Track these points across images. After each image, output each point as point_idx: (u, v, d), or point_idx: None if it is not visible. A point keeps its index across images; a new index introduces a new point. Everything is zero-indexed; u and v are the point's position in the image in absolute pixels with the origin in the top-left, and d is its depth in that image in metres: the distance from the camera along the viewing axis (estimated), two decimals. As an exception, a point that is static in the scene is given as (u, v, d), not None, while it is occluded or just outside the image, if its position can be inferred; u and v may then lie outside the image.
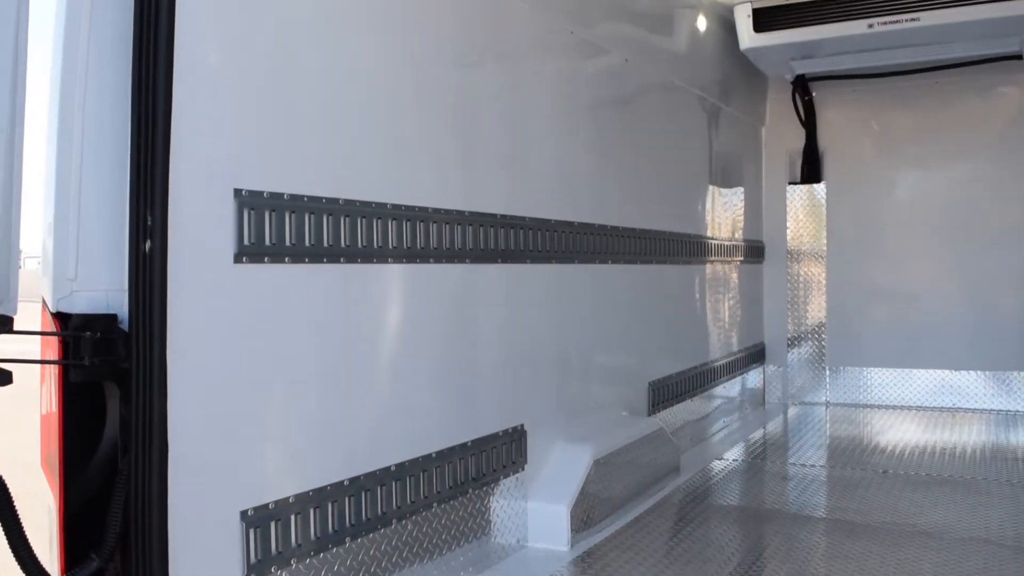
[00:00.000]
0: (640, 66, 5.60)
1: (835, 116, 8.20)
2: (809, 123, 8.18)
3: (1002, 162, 7.57)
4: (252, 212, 2.71)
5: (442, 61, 3.69)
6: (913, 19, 6.44)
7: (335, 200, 3.01)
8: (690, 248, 6.36)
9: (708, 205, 6.85)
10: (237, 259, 2.67)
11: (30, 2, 2.28)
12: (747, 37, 6.90)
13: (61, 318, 2.43)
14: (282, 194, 2.82)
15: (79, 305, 2.44)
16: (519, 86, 4.24)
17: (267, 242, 2.76)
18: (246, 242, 2.68)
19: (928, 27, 6.44)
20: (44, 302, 2.48)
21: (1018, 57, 7.05)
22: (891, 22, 6.51)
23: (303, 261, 2.90)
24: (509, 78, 4.16)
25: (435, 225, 3.51)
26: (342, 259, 3.05)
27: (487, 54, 4.01)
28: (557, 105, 4.58)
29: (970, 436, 6.62)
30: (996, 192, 7.58)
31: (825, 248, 8.21)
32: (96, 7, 2.45)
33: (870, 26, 6.58)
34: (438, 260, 3.54)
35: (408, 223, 3.35)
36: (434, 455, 3.51)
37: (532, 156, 4.31)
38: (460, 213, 3.67)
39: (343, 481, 3.05)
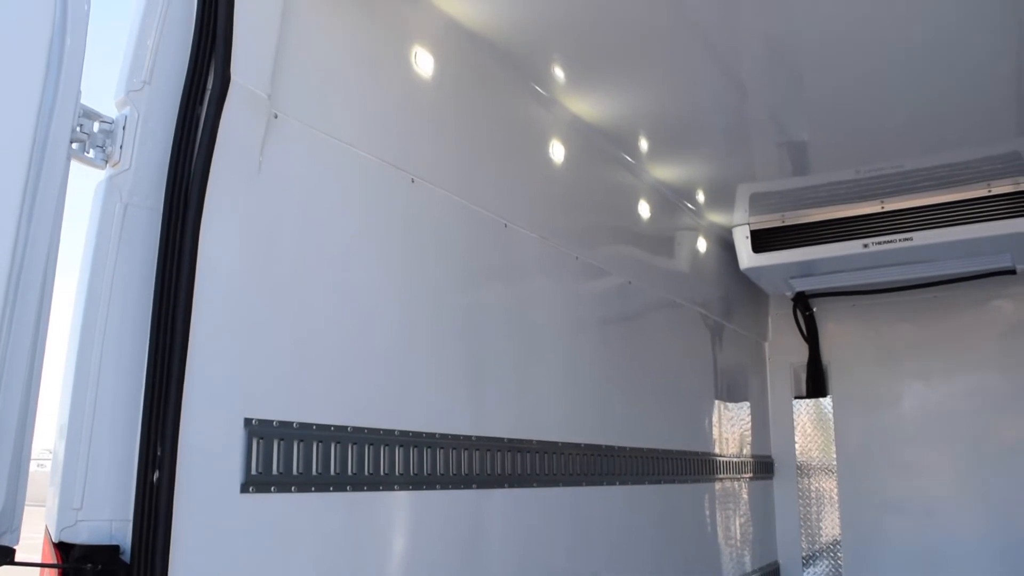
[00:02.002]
0: (643, 287, 5.76)
1: (837, 330, 8.32)
2: (811, 338, 8.30)
3: (1005, 374, 7.60)
4: (261, 441, 2.73)
5: (453, 287, 3.81)
6: (906, 239, 6.65)
7: (343, 428, 3.04)
8: (699, 466, 6.30)
9: (715, 421, 6.84)
10: (244, 489, 2.66)
11: (62, 230, 2.40)
12: (746, 257, 7.11)
13: (63, 547, 2.40)
14: (292, 423, 2.85)
15: (82, 535, 2.41)
16: (526, 311, 4.35)
17: (274, 471, 2.76)
18: (253, 472, 2.69)
19: (922, 246, 6.63)
20: (47, 531, 2.45)
21: (1011, 272, 7.23)
22: (885, 242, 6.71)
23: (309, 490, 2.89)
24: (517, 303, 4.28)
25: (442, 451, 3.51)
26: (348, 487, 3.04)
27: (496, 280, 4.15)
28: (563, 327, 4.69)
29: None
30: (1002, 404, 7.57)
31: (835, 462, 8.12)
32: (124, 241, 2.56)
33: (865, 246, 6.78)
34: (444, 486, 3.52)
35: (415, 449, 3.36)
36: None
37: (539, 378, 4.37)
38: (467, 438, 3.69)
39: None
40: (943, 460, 7.73)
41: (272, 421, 2.78)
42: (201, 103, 2.70)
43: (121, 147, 2.61)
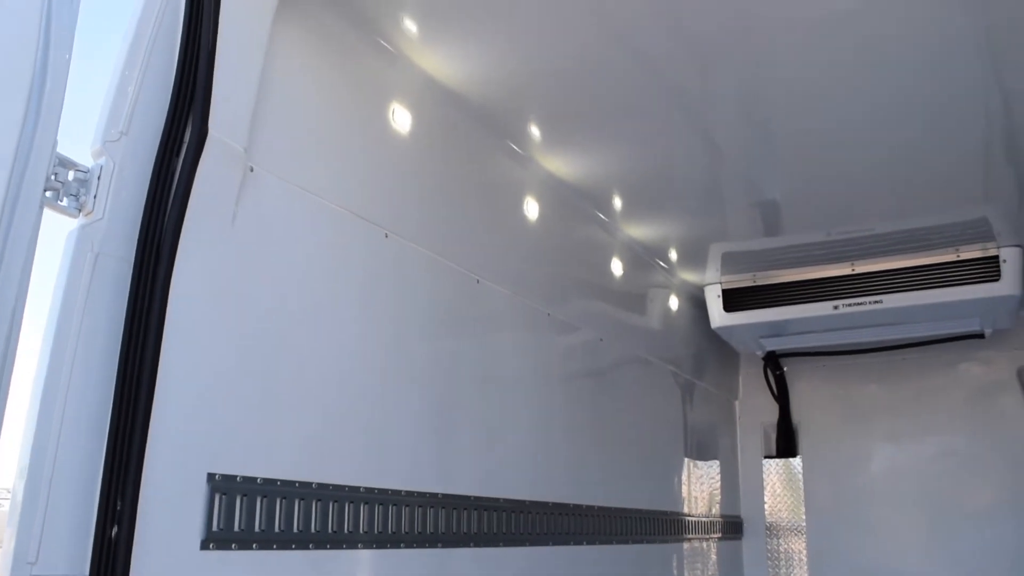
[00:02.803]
0: (614, 344, 5.77)
1: (807, 390, 8.35)
2: (782, 397, 8.33)
3: (974, 437, 7.64)
4: (224, 497, 2.69)
5: (423, 343, 3.81)
6: (876, 302, 6.71)
7: (308, 484, 3.01)
8: (668, 526, 6.27)
9: (684, 480, 6.83)
10: (204, 546, 2.62)
11: (31, 277, 2.39)
12: (718, 316, 7.16)
13: (14, 602, 2.35)
14: (255, 478, 2.82)
15: (36, 591, 2.37)
16: (497, 367, 4.35)
17: (236, 528, 2.73)
18: (215, 528, 2.65)
19: (891, 309, 6.69)
20: (0, 585, 2.40)
21: (980, 336, 7.31)
22: (855, 304, 6.78)
23: (271, 548, 2.85)
24: (488, 359, 4.28)
25: (408, 508, 3.48)
26: (311, 545, 3.00)
27: (467, 336, 4.15)
28: (533, 384, 4.68)
29: None
30: (970, 466, 7.59)
31: (804, 523, 8.10)
32: (93, 290, 2.53)
33: (835, 308, 6.84)
34: (409, 545, 3.48)
35: (380, 507, 3.33)
36: None
37: (508, 435, 4.35)
38: (434, 495, 3.66)
39: None
40: (912, 522, 7.74)
41: (236, 476, 2.75)
42: (177, 155, 2.71)
43: (95, 197, 2.61)
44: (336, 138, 3.48)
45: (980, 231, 6.06)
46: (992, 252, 6.25)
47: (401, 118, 3.85)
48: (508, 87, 4.20)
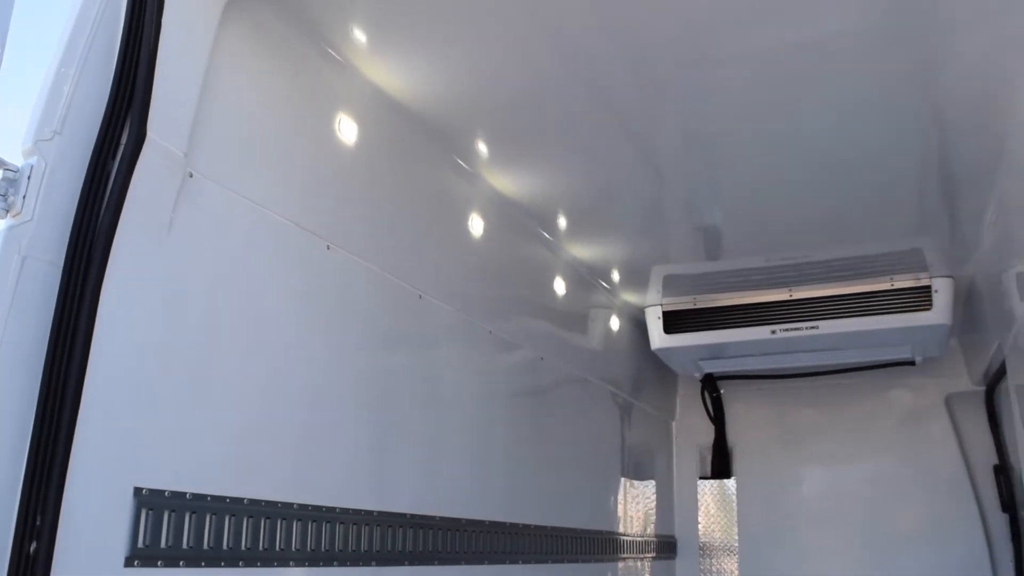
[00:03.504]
0: (555, 363, 5.76)
1: (743, 412, 8.44)
2: (718, 419, 8.41)
3: (903, 461, 7.76)
4: (150, 512, 2.60)
5: (363, 357, 3.75)
6: (812, 327, 6.81)
7: (239, 500, 2.93)
8: (602, 545, 6.26)
9: (620, 500, 6.84)
10: (128, 563, 2.53)
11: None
12: (658, 338, 7.19)
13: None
14: (184, 493, 2.73)
15: (-55, 610, 2.26)
16: (437, 383, 4.30)
17: (163, 544, 2.63)
18: (140, 545, 2.56)
19: (827, 335, 6.80)
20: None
21: (911, 363, 7.46)
22: (792, 329, 6.86)
23: (199, 565, 2.76)
24: (428, 375, 4.23)
25: (342, 526, 3.41)
26: (241, 563, 2.91)
27: (408, 352, 4.10)
28: (473, 401, 4.65)
29: None
30: (901, 490, 7.71)
31: (737, 543, 8.17)
32: (19, 294, 2.42)
33: (773, 332, 6.92)
34: (343, 563, 3.40)
35: (313, 524, 3.25)
36: None
37: (446, 453, 4.30)
38: (369, 513, 3.59)
39: None
40: (843, 544, 7.83)
41: (164, 491, 2.66)
42: (113, 157, 2.63)
43: (24, 197, 2.52)
44: (280, 147, 3.41)
45: (914, 261, 6.19)
46: (924, 282, 6.39)
47: (347, 129, 3.80)
48: (457, 102, 4.17)
